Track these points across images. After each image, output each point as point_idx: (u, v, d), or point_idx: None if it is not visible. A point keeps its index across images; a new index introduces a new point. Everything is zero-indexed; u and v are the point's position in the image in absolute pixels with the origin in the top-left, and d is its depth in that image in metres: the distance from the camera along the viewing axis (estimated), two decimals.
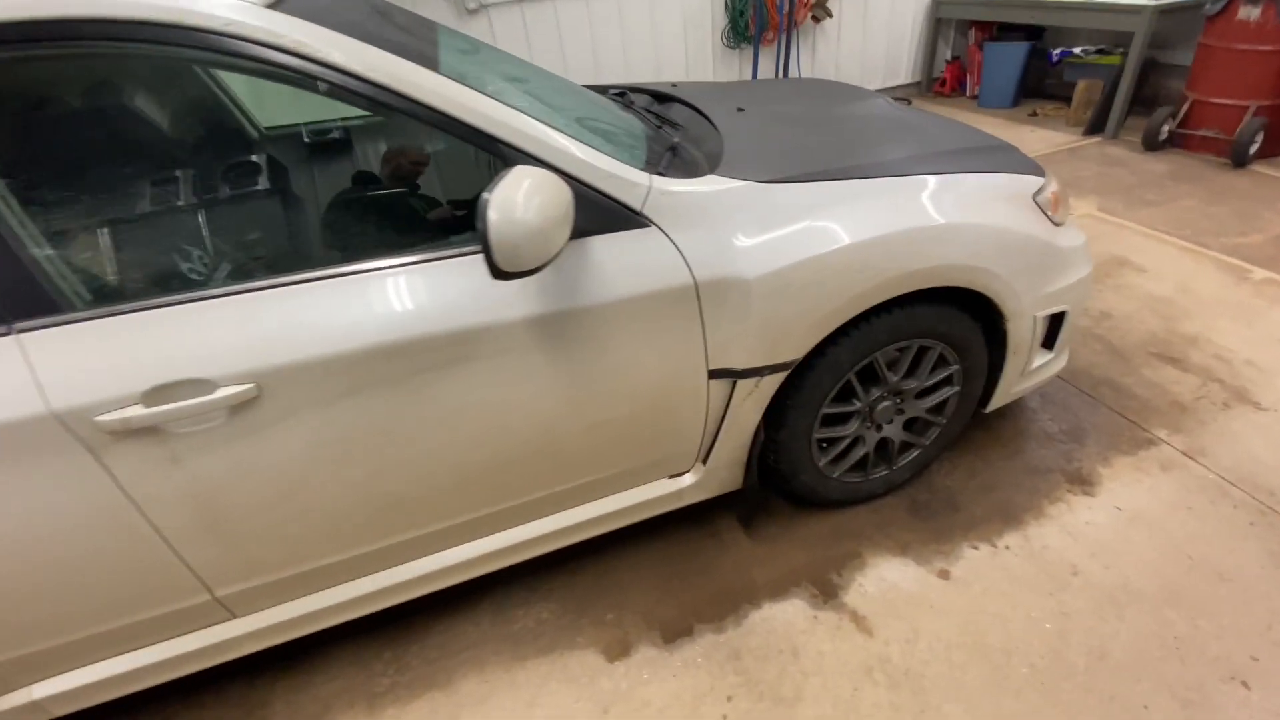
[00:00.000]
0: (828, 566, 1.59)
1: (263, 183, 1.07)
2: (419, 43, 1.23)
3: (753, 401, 1.38)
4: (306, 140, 1.10)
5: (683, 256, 1.21)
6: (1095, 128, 4.02)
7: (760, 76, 4.89)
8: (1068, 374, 2.11)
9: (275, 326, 1.03)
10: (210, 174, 1.05)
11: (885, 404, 1.58)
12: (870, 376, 1.53)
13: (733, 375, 1.34)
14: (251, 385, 1.03)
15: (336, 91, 1.01)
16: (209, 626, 1.30)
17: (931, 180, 1.40)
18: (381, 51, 1.02)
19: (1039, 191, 1.56)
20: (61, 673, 1.24)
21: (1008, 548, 1.58)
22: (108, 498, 1.05)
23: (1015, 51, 4.56)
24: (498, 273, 0.93)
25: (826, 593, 1.53)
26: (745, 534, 1.70)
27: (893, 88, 5.44)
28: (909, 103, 5.32)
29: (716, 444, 1.45)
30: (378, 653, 1.53)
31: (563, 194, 1.02)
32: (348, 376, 1.08)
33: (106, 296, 1.01)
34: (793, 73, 4.97)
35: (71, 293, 1.00)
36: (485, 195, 0.91)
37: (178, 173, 1.03)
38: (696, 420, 1.40)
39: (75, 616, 1.16)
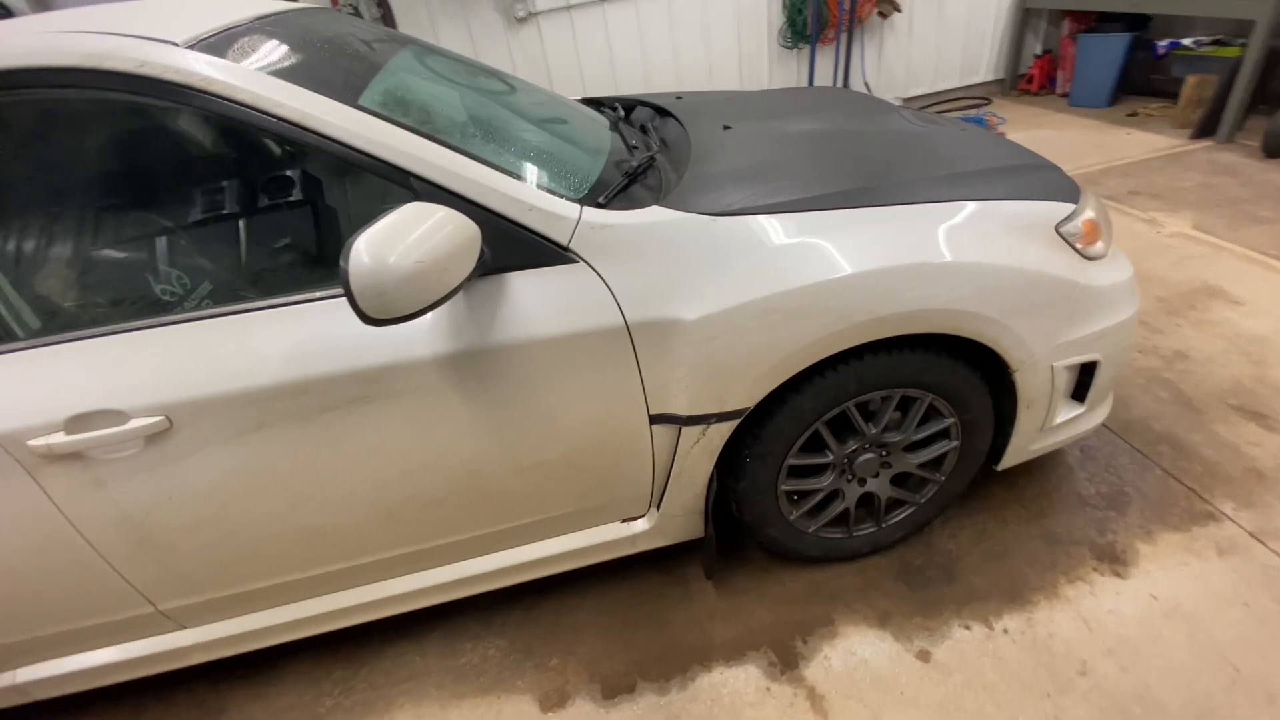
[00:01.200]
0: (794, 631, 1.45)
1: (176, 221, 1.09)
2: (362, 68, 1.22)
3: (701, 450, 1.27)
4: (221, 177, 1.11)
5: (613, 295, 1.12)
6: (1205, 130, 3.49)
7: (818, 78, 4.64)
8: (1119, 426, 1.83)
9: (185, 361, 1.04)
10: (124, 213, 1.08)
11: (867, 457, 1.42)
12: (845, 427, 1.37)
13: (677, 422, 1.23)
14: (162, 417, 1.05)
15: (243, 125, 1.00)
16: (160, 634, 1.35)
17: (919, 211, 1.23)
18: (288, 85, 1.00)
19: (1066, 220, 1.33)
20: (37, 662, 1.33)
21: (1005, 631, 1.37)
22: (46, 514, 1.11)
23: (1114, 44, 4.06)
24: (365, 319, 0.88)
25: (786, 661, 1.39)
26: (713, 586, 1.58)
27: (971, 86, 5.02)
28: (988, 102, 4.88)
29: (667, 491, 1.35)
30: (329, 671, 1.54)
31: (457, 233, 0.96)
32: (256, 412, 1.07)
33: (35, 329, 1.06)
34: (855, 73, 4.70)
35: (15, 322, 1.06)
36: (356, 235, 0.87)
37: (93, 214, 1.06)
38: (642, 466, 1.31)
39: (35, 616, 1.23)
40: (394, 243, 0.88)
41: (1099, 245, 1.41)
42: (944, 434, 1.42)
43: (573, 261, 1.11)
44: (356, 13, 3.87)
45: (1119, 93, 4.29)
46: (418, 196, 1.03)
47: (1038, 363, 1.31)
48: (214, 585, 1.27)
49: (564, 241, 1.10)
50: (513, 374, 1.12)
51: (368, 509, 1.22)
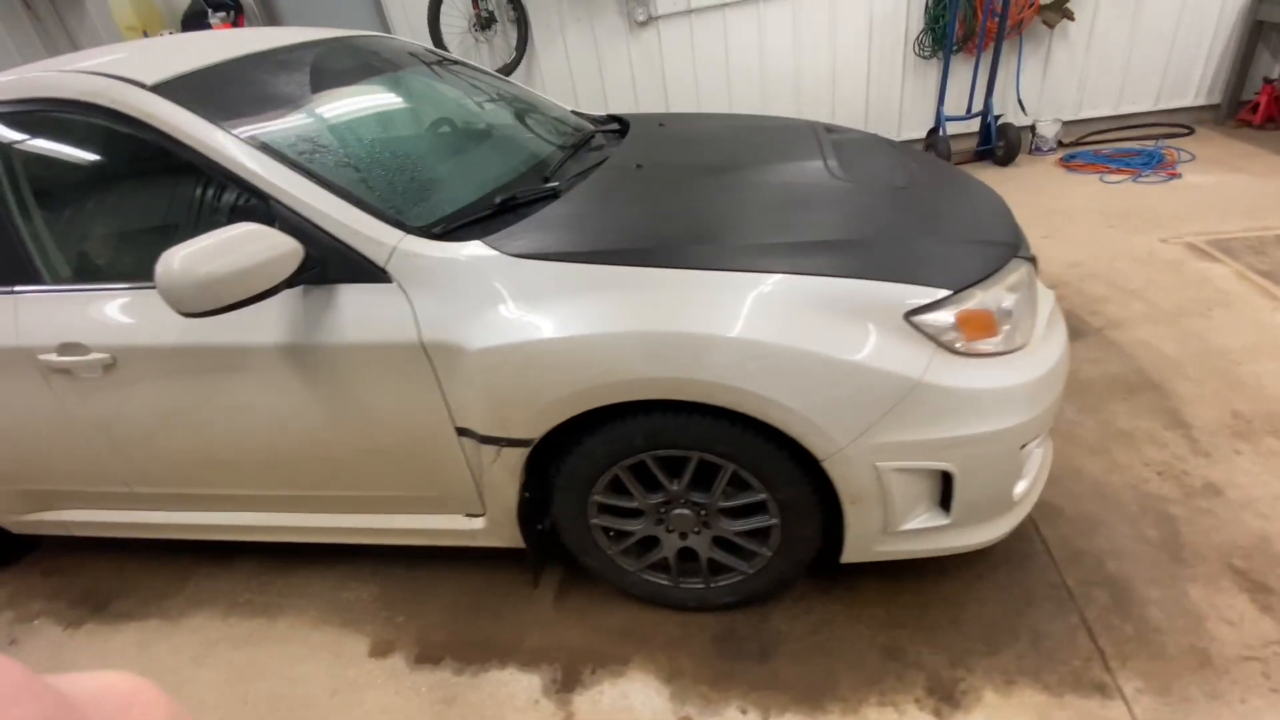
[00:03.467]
0: (590, 660, 1.49)
1: (135, 212, 1.46)
2: (299, 101, 1.49)
3: (501, 468, 1.38)
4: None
5: (415, 316, 1.27)
6: None
7: (954, 93, 4.14)
8: (1066, 553, 1.53)
9: (124, 317, 1.41)
10: (105, 203, 1.47)
11: (681, 512, 1.40)
12: (653, 477, 1.37)
13: (475, 438, 1.35)
14: (110, 355, 1.43)
15: (175, 149, 1.31)
16: (140, 510, 1.81)
17: (727, 279, 1.19)
18: (199, 121, 1.30)
19: (927, 309, 1.18)
20: (71, 509, 1.86)
21: None
22: (53, 408, 1.56)
23: None
24: (176, 311, 1.14)
25: (567, 684, 1.45)
26: (552, 597, 1.67)
27: (1172, 111, 4.12)
28: (1189, 132, 3.98)
29: (485, 500, 1.48)
30: (259, 574, 1.92)
31: (270, 252, 1.17)
32: (163, 363, 1.41)
33: (59, 278, 1.50)
34: (1006, 88, 4.11)
35: (47, 271, 1.52)
36: (175, 246, 1.13)
37: (89, 202, 1.47)
38: (459, 470, 1.44)
39: (61, 475, 1.73)
40: (202, 254, 1.12)
41: (994, 341, 1.23)
42: (761, 508, 1.35)
43: (387, 282, 1.28)
44: (492, 17, 4.32)
45: None
46: (272, 214, 1.28)
47: (851, 457, 1.20)
48: (159, 483, 1.68)
49: (381, 263, 1.28)
50: (335, 369, 1.33)
51: (249, 452, 1.52)
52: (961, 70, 4.11)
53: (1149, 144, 3.83)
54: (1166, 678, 1.25)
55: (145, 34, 4.42)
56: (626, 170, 1.62)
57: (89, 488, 1.76)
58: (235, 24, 4.67)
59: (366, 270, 1.28)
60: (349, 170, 1.38)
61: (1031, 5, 3.74)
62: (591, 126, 2.16)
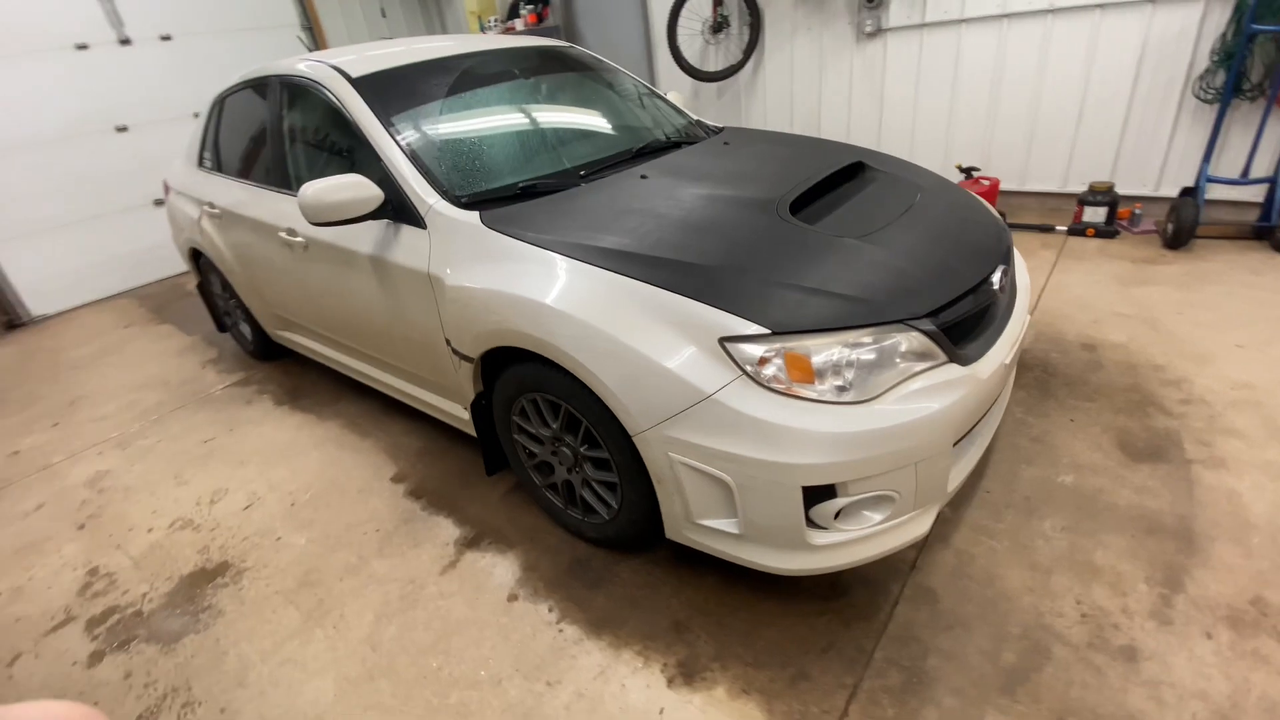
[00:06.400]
0: (492, 535, 1.98)
1: (321, 150, 2.30)
2: (439, 93, 2.17)
3: (463, 374, 1.92)
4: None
5: (429, 253, 1.85)
6: None
7: (1231, 150, 3.27)
8: (900, 633, 1.49)
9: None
10: (321, 146, 2.34)
11: (564, 449, 1.77)
12: (553, 414, 1.76)
13: (451, 348, 1.91)
14: (304, 239, 2.33)
15: (347, 127, 2.09)
16: (321, 344, 2.81)
17: (597, 274, 1.52)
18: (364, 106, 2.04)
19: (742, 339, 1.36)
20: (295, 333, 2.96)
21: (561, 631, 1.62)
22: (284, 264, 2.55)
23: None
24: (309, 221, 1.88)
25: (470, 544, 1.97)
26: (506, 487, 2.19)
27: None
28: None
29: (464, 397, 2.04)
30: (374, 409, 2.81)
31: (359, 194, 1.86)
32: (325, 251, 2.26)
33: (296, 186, 2.44)
34: None
35: (293, 181, 2.47)
36: (312, 181, 1.86)
37: (317, 144, 2.35)
38: (450, 369, 2.02)
39: (287, 308, 2.80)
40: (323, 189, 1.84)
41: (813, 387, 1.36)
42: (609, 466, 1.65)
43: (424, 228, 1.88)
44: (726, 21, 4.69)
45: None
46: (378, 170, 1.97)
47: (650, 441, 1.45)
48: (325, 328, 2.61)
49: (423, 214, 1.88)
50: (392, 278, 2.00)
51: (354, 320, 2.32)
52: (1250, 122, 3.22)
53: None
54: None
55: (480, 19, 5.84)
56: (633, 177, 1.96)
57: (299, 320, 2.80)
58: (540, 15, 5.85)
59: (415, 218, 1.90)
60: (431, 148, 2.00)
61: None
62: (702, 135, 2.49)
